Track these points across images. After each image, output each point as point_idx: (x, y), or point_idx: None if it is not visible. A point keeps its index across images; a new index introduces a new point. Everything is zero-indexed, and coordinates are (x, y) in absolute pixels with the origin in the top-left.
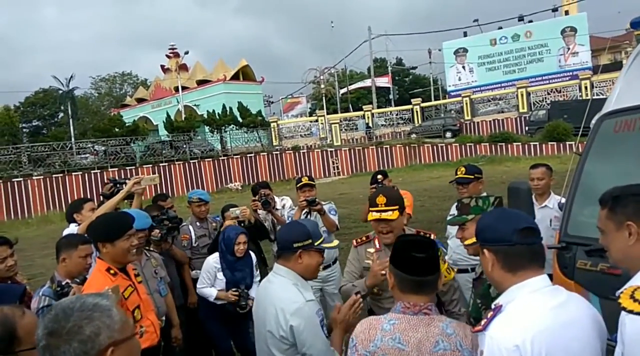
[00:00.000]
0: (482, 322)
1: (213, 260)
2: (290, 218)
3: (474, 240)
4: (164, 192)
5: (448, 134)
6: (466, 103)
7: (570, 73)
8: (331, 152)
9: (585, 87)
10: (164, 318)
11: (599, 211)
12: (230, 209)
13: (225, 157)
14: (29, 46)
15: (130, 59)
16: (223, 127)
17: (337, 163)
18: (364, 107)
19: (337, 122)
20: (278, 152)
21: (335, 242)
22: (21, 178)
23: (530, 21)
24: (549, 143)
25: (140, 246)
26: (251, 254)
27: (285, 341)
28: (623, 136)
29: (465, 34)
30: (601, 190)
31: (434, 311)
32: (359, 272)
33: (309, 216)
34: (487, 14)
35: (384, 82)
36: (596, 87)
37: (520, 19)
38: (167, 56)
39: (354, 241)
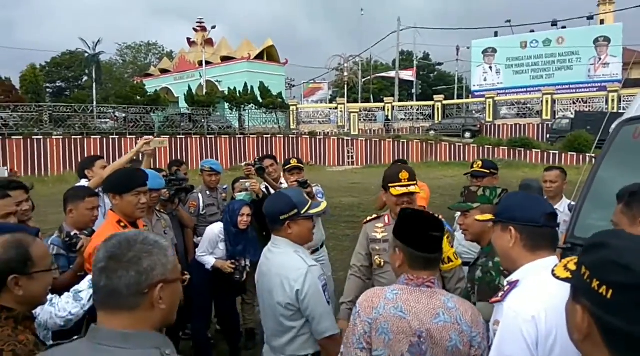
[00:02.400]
0: (500, 294)
1: (218, 229)
2: None
3: (490, 216)
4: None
5: (467, 134)
6: (489, 105)
7: (599, 84)
8: (347, 140)
9: (613, 100)
10: None
11: (615, 206)
12: (241, 180)
13: (242, 135)
14: (59, 7)
15: (157, 29)
16: (243, 105)
17: (352, 153)
18: (385, 99)
19: (356, 111)
20: (294, 136)
21: (324, 205)
22: (41, 137)
23: (564, 27)
24: (569, 153)
25: (151, 204)
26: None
27: (291, 308)
28: None
29: (496, 34)
30: (613, 194)
31: (436, 285)
32: (366, 250)
33: None
34: (520, 15)
35: (408, 75)
36: (624, 101)
37: (554, 23)
38: (195, 29)
39: (364, 220)
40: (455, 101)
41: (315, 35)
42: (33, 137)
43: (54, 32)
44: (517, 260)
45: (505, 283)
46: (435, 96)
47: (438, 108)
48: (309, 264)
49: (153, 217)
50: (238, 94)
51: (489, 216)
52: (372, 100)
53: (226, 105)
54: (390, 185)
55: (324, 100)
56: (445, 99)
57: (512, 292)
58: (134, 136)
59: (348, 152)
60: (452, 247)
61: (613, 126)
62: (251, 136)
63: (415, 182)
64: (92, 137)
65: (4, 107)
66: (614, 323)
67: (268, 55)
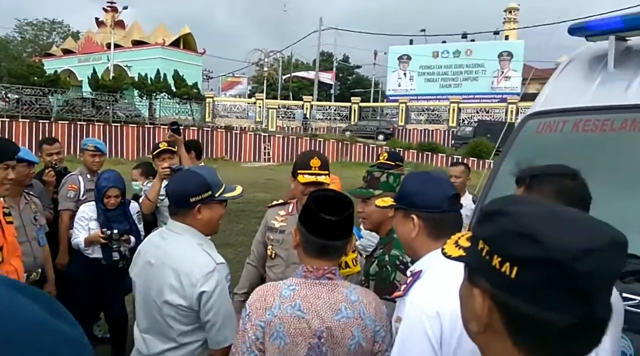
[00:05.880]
0: (402, 287)
1: (88, 207)
2: (144, 193)
3: (391, 202)
4: (77, 153)
5: (380, 137)
6: (402, 110)
7: (500, 96)
8: (264, 136)
9: (512, 111)
10: (40, 270)
11: (514, 190)
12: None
13: (152, 126)
14: None
15: (62, 7)
16: (154, 94)
17: (268, 149)
18: (304, 97)
19: (275, 108)
20: (209, 129)
21: (239, 189)
22: None
23: (473, 40)
24: (471, 158)
25: (21, 181)
26: (132, 205)
27: (185, 311)
28: (546, 138)
29: (411, 42)
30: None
31: (337, 276)
32: (264, 237)
33: None
34: (434, 26)
35: (327, 78)
36: (521, 113)
37: (464, 36)
38: (104, 9)
39: (270, 204)
40: (371, 104)
41: (236, 27)
42: None
43: None
44: (421, 250)
45: (408, 273)
46: (352, 98)
47: (355, 110)
48: (217, 261)
49: (20, 200)
50: (149, 81)
51: (389, 201)
52: (291, 98)
53: (135, 92)
54: (299, 171)
55: (243, 95)
56: (361, 102)
57: (415, 285)
58: (28, 120)
59: (264, 148)
60: (354, 251)
61: (517, 121)
62: (162, 126)
63: (327, 172)
64: None
65: None
66: (521, 309)
67: (184, 43)
